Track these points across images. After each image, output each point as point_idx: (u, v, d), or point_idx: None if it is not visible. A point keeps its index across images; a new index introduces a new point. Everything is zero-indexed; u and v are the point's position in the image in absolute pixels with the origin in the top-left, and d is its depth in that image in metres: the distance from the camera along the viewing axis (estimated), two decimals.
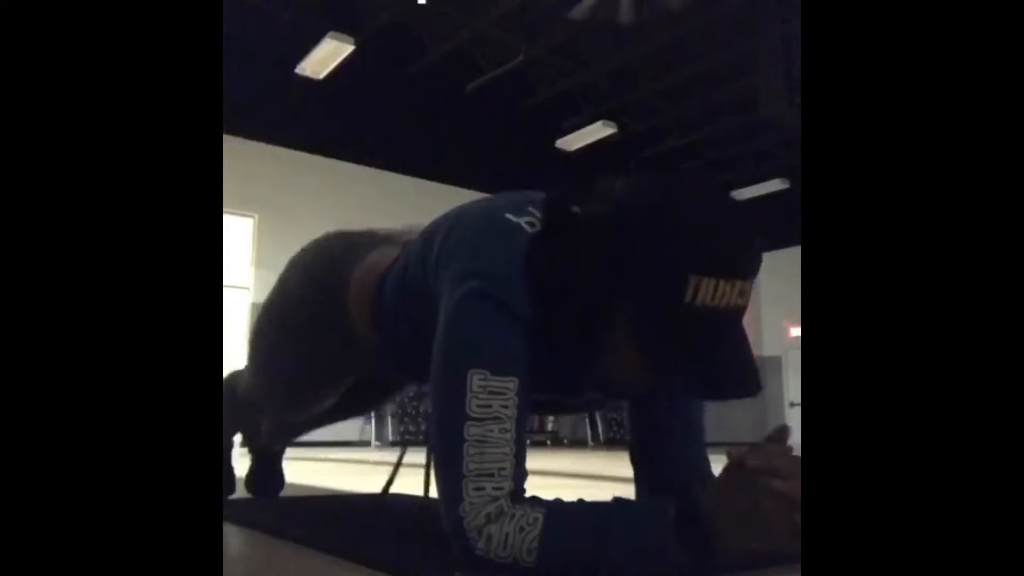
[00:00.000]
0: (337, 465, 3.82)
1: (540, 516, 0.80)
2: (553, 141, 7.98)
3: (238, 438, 1.78)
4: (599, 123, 7.56)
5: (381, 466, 3.78)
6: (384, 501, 1.31)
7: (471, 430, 0.82)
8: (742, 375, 0.79)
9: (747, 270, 0.78)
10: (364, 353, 1.17)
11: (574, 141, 7.93)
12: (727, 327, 0.79)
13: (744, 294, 0.78)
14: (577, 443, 8.93)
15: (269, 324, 1.32)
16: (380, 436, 8.13)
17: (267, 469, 1.82)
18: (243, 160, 7.92)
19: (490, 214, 0.93)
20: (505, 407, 0.83)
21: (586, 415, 8.85)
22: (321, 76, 6.50)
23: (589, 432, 9.00)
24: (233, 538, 1.20)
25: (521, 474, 0.84)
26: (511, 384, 0.84)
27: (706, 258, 0.75)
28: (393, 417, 8.18)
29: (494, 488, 0.81)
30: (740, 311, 0.79)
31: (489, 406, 0.82)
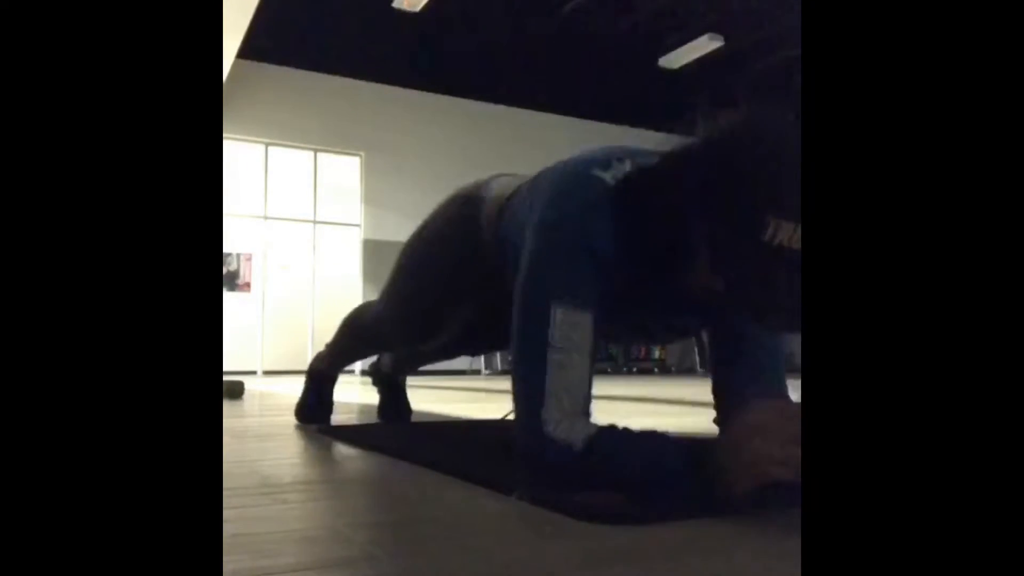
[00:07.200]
0: (451, 393, 4.00)
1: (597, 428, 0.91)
2: (655, 60, 7.64)
3: (357, 365, 1.92)
4: (705, 36, 7.14)
5: (490, 393, 3.92)
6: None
7: (553, 356, 0.93)
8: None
9: None
10: (489, 272, 1.26)
11: (678, 58, 7.56)
12: (794, 267, 0.85)
13: None
14: (685, 371, 8.88)
15: (411, 255, 1.48)
16: (489, 365, 8.41)
17: (394, 398, 1.99)
18: (346, 99, 8.09)
19: (576, 168, 1.03)
20: (583, 339, 0.94)
21: (694, 342, 8.76)
22: (418, 9, 6.48)
23: (697, 359, 8.91)
24: (358, 461, 1.30)
25: (588, 399, 0.96)
26: (587, 319, 0.95)
27: (786, 202, 0.80)
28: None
29: (570, 402, 0.93)
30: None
31: (569, 337, 0.94)
